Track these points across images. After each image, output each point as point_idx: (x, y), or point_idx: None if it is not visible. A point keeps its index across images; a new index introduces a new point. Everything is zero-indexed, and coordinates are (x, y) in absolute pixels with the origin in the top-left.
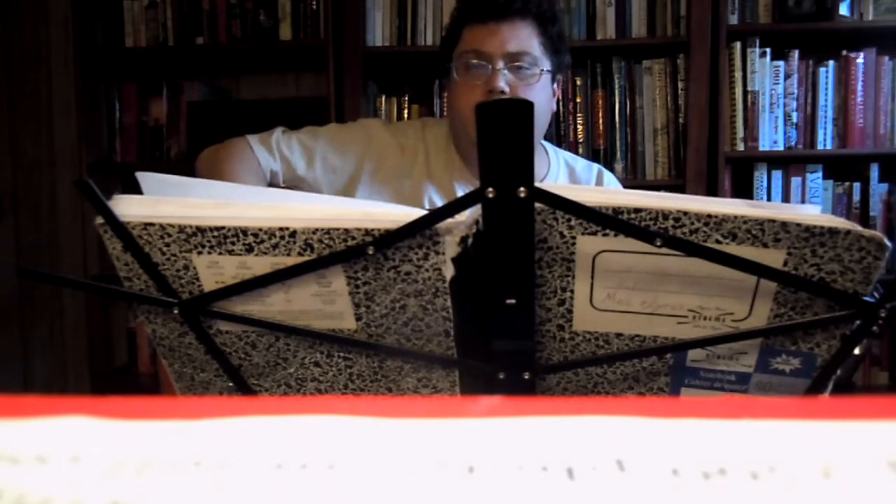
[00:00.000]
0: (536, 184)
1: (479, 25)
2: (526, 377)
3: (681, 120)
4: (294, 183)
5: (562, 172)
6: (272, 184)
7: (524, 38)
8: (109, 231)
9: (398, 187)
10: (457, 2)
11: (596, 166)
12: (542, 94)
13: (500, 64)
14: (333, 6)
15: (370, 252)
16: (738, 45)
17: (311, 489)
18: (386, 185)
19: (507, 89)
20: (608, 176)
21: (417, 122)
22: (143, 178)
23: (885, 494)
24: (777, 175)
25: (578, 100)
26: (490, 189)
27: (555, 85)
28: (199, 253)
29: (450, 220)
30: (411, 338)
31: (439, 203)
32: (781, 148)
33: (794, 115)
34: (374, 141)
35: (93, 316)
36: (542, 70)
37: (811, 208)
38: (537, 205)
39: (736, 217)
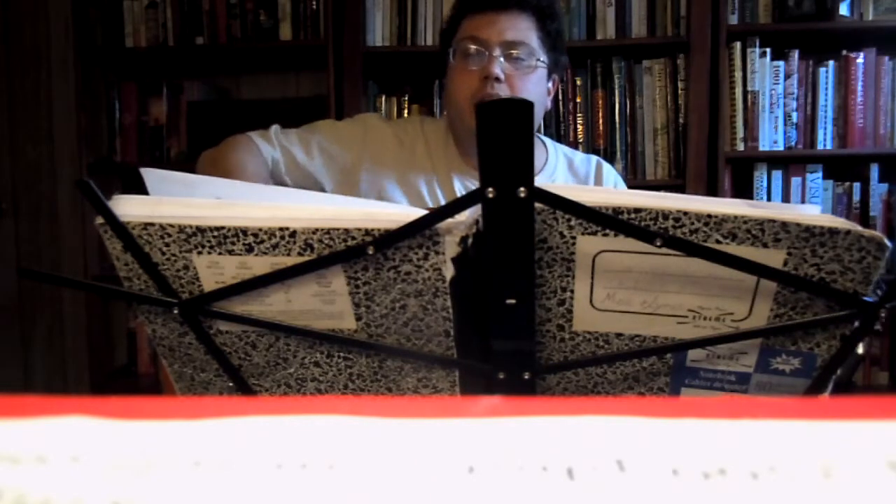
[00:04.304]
0: (536, 176)
1: (478, 15)
2: (526, 377)
3: (681, 120)
4: (296, 174)
5: (560, 164)
6: (275, 174)
7: (522, 29)
8: (109, 231)
9: (401, 177)
10: None
11: (595, 158)
12: (537, 87)
13: (497, 51)
14: (333, 6)
15: (370, 252)
16: (738, 45)
17: (311, 489)
18: (389, 176)
19: (502, 76)
20: (607, 167)
21: (416, 118)
22: (147, 174)
23: (885, 494)
24: (777, 175)
25: (578, 100)
26: (490, 189)
27: (550, 83)
28: (199, 253)
29: (450, 220)
30: (411, 338)
31: (439, 195)
32: (781, 148)
33: (794, 115)
34: (371, 132)
35: (93, 316)
36: (539, 60)
37: (811, 208)
38: (537, 205)
39: (736, 217)
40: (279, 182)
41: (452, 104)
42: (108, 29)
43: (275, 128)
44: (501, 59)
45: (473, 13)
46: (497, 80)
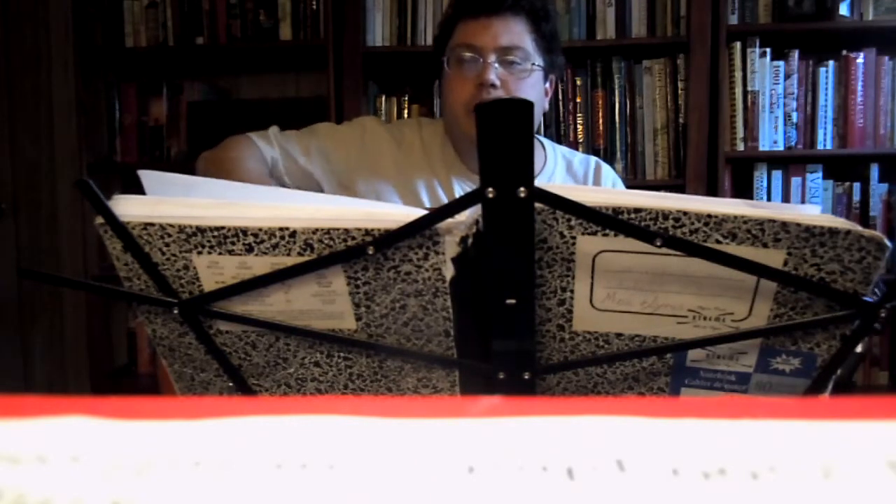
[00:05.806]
0: (535, 177)
1: (471, 20)
2: (526, 377)
3: (681, 120)
4: (296, 174)
5: (559, 166)
6: (274, 173)
7: (516, 33)
8: (109, 231)
9: (398, 180)
10: None
11: (593, 159)
12: (534, 90)
13: (492, 57)
14: (333, 6)
15: (370, 252)
16: (738, 45)
17: (311, 489)
18: (386, 179)
19: (497, 83)
20: (606, 168)
21: (414, 120)
22: (145, 176)
23: (885, 494)
24: (777, 175)
25: (578, 100)
26: (490, 189)
27: (547, 84)
28: (199, 253)
29: (450, 220)
30: (411, 338)
31: (441, 197)
32: (781, 148)
33: (794, 115)
34: (369, 135)
35: (93, 316)
36: (534, 64)
37: (811, 208)
38: (537, 205)
39: (736, 217)
40: (279, 182)
41: (449, 111)
42: (108, 29)
43: (273, 129)
44: (496, 65)
45: (467, 18)
46: (492, 86)
